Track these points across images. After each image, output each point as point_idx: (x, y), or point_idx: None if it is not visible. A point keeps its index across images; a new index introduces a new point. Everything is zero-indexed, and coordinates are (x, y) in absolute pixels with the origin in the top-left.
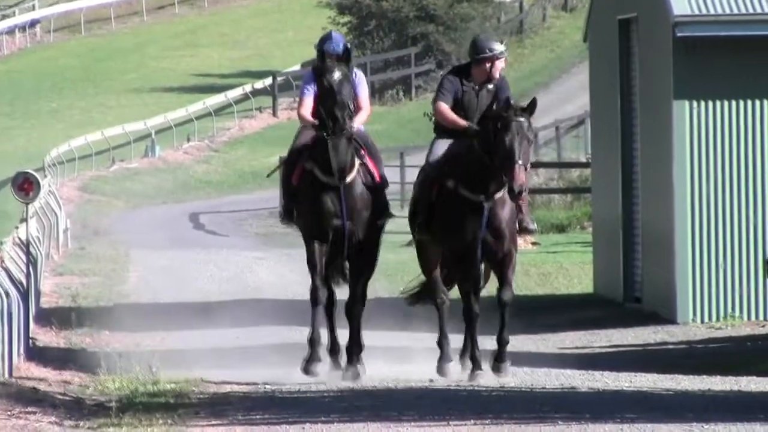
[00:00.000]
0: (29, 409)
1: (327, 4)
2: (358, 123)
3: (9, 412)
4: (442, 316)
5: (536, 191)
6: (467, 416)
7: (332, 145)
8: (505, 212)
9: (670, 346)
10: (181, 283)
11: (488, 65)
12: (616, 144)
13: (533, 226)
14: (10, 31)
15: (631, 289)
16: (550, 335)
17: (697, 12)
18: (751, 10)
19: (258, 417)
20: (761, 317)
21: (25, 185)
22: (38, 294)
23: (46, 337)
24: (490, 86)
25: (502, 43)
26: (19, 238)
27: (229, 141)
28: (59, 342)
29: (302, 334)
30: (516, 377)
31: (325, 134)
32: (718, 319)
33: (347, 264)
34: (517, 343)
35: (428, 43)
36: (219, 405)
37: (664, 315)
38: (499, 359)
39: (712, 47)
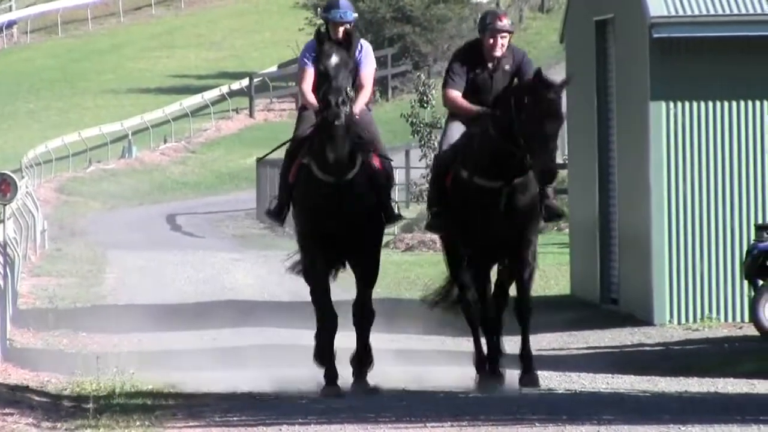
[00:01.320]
0: (6, 410)
1: (304, 5)
2: (359, 106)
3: None
4: (475, 325)
5: None
6: (444, 418)
7: (329, 137)
8: (527, 198)
9: (647, 348)
10: (158, 285)
11: (492, 41)
12: (593, 145)
13: (560, 210)
14: None
15: (608, 291)
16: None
17: (673, 13)
18: (727, 11)
19: (235, 419)
20: (738, 319)
21: (2, 186)
22: (15, 295)
23: (24, 339)
24: (507, 67)
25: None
26: None
27: (206, 142)
28: (36, 343)
29: (279, 335)
30: None
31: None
32: (695, 320)
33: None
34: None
35: (405, 44)
36: (196, 406)
37: (641, 316)
38: (527, 371)
39: (689, 48)
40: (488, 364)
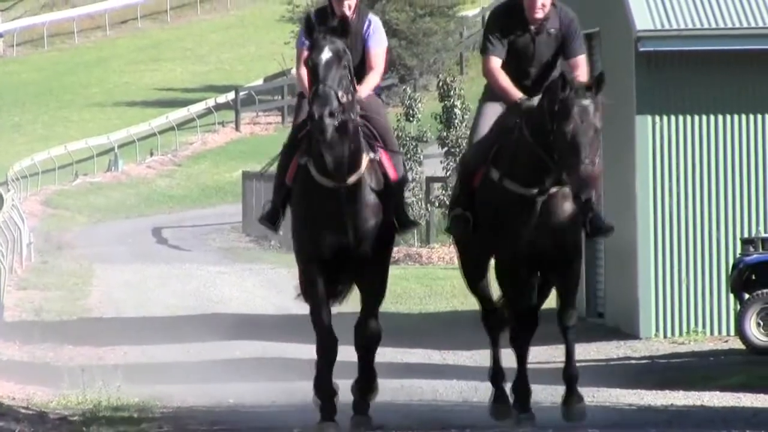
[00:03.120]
0: None
1: (290, 18)
2: (367, 90)
3: None
4: (496, 341)
5: None
6: (432, 429)
7: (322, 144)
8: (566, 209)
9: (633, 361)
10: (144, 298)
11: (531, 1)
12: None
13: (609, 223)
14: None
15: (594, 304)
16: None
17: (659, 27)
18: (713, 25)
19: (221, 430)
20: (723, 332)
21: None
22: (1, 308)
23: (10, 351)
24: (552, 30)
25: None
26: None
27: (192, 155)
28: (22, 356)
29: (265, 348)
30: (479, 392)
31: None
32: (680, 334)
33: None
34: (480, 358)
35: (391, 57)
36: (182, 419)
37: (627, 330)
38: (569, 400)
39: (675, 62)
40: (514, 396)
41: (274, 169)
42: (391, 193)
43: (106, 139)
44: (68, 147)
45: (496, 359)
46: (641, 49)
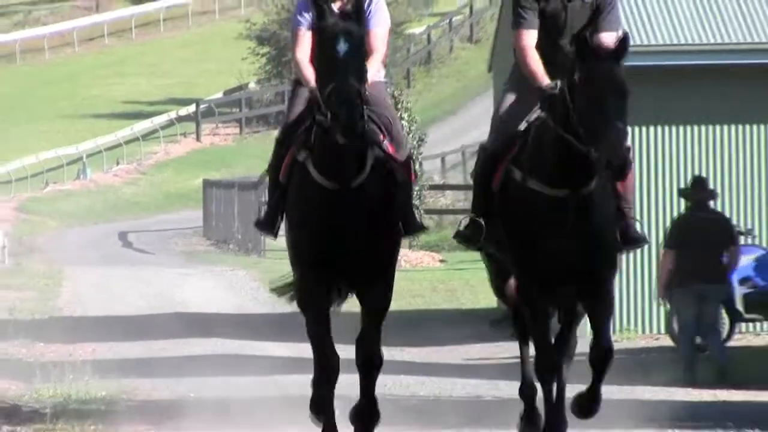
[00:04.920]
0: None
1: (247, 36)
2: (371, 76)
3: None
4: (525, 358)
5: (444, 212)
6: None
7: (335, 146)
8: (600, 214)
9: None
10: (110, 298)
11: None
12: None
13: (643, 233)
14: None
15: None
16: (458, 347)
17: (639, 42)
18: (688, 41)
19: (184, 422)
20: (654, 331)
21: None
22: None
23: None
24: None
25: None
26: None
27: (156, 164)
28: None
29: (225, 345)
30: (425, 386)
31: (323, 121)
32: (614, 332)
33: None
34: (426, 354)
35: None
36: (147, 411)
37: None
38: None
39: (653, 76)
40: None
41: (221, 176)
42: (398, 193)
43: (75, 149)
44: (39, 156)
45: (525, 370)
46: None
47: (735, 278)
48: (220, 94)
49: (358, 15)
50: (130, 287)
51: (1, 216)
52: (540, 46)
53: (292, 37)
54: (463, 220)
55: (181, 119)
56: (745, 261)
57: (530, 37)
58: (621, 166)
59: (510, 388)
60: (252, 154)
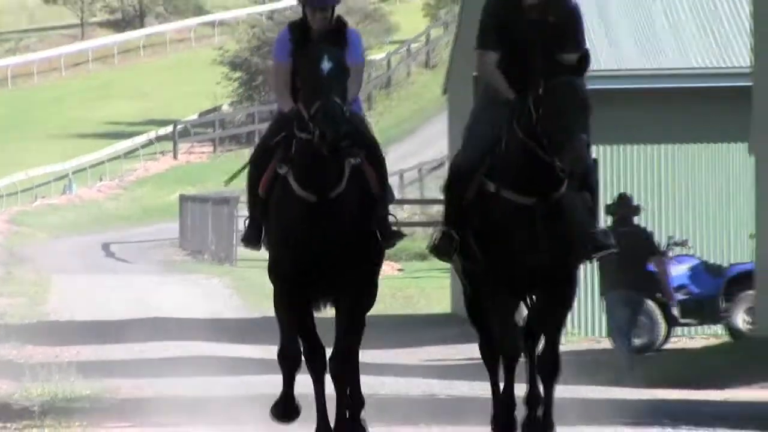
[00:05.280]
0: None
1: (221, 62)
2: (351, 95)
3: None
4: (494, 370)
5: (402, 224)
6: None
7: (317, 158)
8: (566, 221)
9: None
10: (94, 304)
11: None
12: None
13: (610, 240)
14: None
15: None
16: (415, 349)
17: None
18: (629, 67)
19: (164, 420)
20: (597, 334)
21: None
22: None
23: None
24: (552, 19)
25: None
26: None
27: (136, 180)
28: None
29: (200, 347)
30: (385, 386)
31: (306, 137)
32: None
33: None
34: (386, 356)
35: None
36: (130, 409)
37: None
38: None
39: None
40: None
41: (197, 191)
42: (373, 204)
43: (61, 166)
44: (29, 173)
45: (495, 391)
46: None
47: (671, 286)
48: (195, 116)
49: (338, 38)
50: (112, 294)
51: None
52: (505, 64)
53: (273, 69)
54: (436, 234)
55: (159, 139)
56: (681, 270)
57: (491, 57)
58: (583, 175)
59: (465, 387)
60: (225, 170)
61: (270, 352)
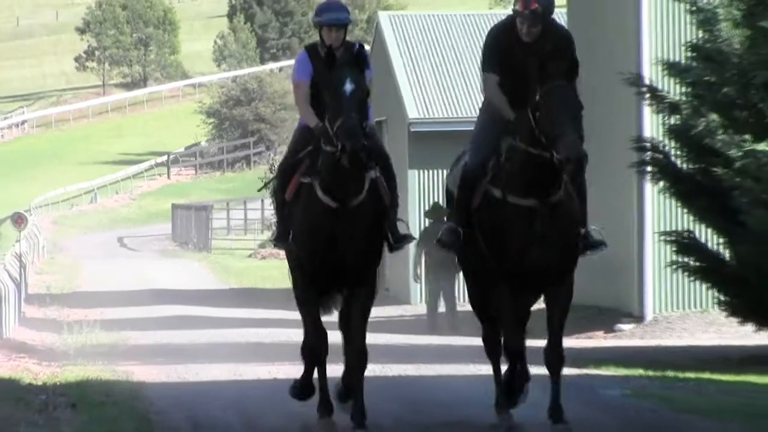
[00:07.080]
0: (21, 355)
1: (200, 111)
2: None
3: (8, 357)
4: (496, 358)
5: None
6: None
7: (342, 171)
8: (565, 222)
9: (407, 317)
10: (112, 279)
11: (522, 26)
12: None
13: (600, 237)
14: (9, 127)
15: (383, 282)
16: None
17: (423, 116)
18: (454, 115)
19: (162, 360)
20: (420, 302)
21: (19, 220)
22: (26, 285)
23: (31, 312)
24: (547, 48)
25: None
26: (15, 252)
27: (142, 194)
28: (39, 315)
29: (190, 309)
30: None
31: (331, 150)
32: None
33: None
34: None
35: (261, 135)
36: (137, 353)
37: (403, 299)
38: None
39: (433, 137)
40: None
41: (184, 201)
42: (387, 210)
43: (89, 184)
44: (67, 189)
45: (497, 374)
46: (412, 130)
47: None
48: (182, 149)
49: (359, 61)
50: (124, 273)
51: (43, 227)
52: (507, 89)
53: (294, 88)
54: (444, 229)
55: (157, 165)
56: None
57: (494, 79)
58: (578, 163)
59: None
60: (203, 187)
61: (236, 312)
